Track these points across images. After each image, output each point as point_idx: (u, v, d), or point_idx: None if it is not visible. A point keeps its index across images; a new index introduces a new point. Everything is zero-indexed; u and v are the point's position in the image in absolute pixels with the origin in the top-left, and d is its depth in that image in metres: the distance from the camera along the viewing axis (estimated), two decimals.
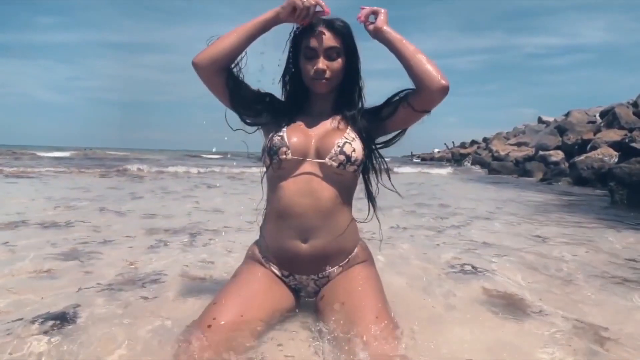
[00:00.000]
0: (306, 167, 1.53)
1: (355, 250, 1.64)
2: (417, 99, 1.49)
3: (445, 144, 31.53)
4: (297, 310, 1.66)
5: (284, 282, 1.63)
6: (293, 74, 1.62)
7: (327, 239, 1.55)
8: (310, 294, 1.67)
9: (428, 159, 29.77)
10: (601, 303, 2.01)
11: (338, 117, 1.59)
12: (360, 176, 1.64)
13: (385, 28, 1.51)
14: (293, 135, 1.54)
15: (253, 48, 1.54)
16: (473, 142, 24.18)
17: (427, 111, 1.52)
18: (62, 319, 1.62)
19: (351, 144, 1.53)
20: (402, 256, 2.78)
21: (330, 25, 1.52)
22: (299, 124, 1.59)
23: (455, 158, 22.91)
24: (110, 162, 15.18)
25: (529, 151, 16.83)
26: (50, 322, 1.59)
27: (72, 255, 2.62)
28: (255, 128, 1.65)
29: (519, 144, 18.51)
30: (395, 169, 16.42)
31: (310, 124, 1.59)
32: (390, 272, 2.36)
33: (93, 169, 11.02)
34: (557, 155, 14.68)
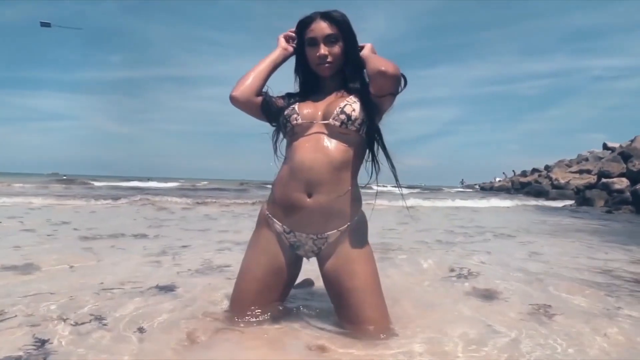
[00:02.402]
0: (315, 128, 1.72)
1: (356, 219, 1.77)
2: (371, 86, 1.68)
3: (503, 172, 31.07)
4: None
5: (285, 240, 1.79)
6: (302, 63, 1.85)
7: (330, 197, 1.68)
8: (308, 252, 1.81)
9: (488, 188, 29.31)
10: (564, 298, 2.50)
11: (343, 90, 1.80)
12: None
13: (366, 53, 1.76)
14: (303, 108, 1.76)
15: None
16: (534, 170, 23.60)
17: (389, 94, 1.68)
18: (168, 288, 2.40)
19: (351, 105, 1.71)
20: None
21: (326, 15, 1.73)
22: (309, 102, 1.80)
23: (515, 187, 22.48)
24: (183, 191, 16.66)
25: (591, 179, 16.36)
26: (162, 290, 2.37)
27: (163, 254, 3.49)
28: None
29: (580, 172, 18.00)
30: (493, 202, 14.51)
31: (319, 99, 1.80)
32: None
33: (172, 198, 12.20)
34: (622, 183, 14.16)
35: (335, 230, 1.74)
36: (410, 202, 12.34)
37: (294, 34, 1.85)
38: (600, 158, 19.01)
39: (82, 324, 1.80)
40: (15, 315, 1.87)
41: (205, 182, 30.13)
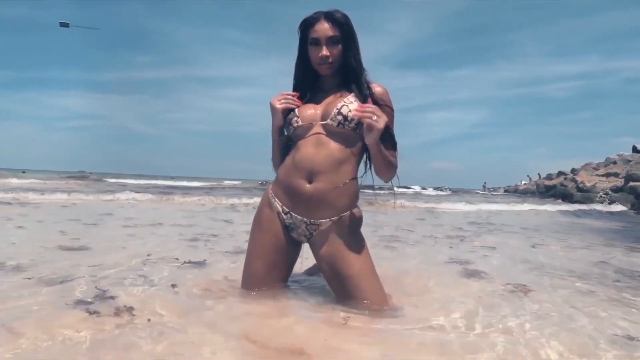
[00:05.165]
0: (315, 129, 1.82)
1: (349, 212, 1.85)
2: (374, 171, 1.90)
3: (528, 175, 30.68)
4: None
5: (282, 220, 1.89)
6: (304, 60, 1.88)
7: (328, 186, 1.78)
8: (300, 236, 1.90)
9: (512, 191, 29.08)
10: (542, 282, 2.82)
11: (342, 90, 1.86)
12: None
13: (373, 138, 1.72)
14: (304, 110, 1.85)
15: None
16: (560, 173, 23.26)
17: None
18: (201, 263, 2.85)
19: (348, 106, 1.78)
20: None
21: (330, 17, 1.77)
22: (310, 104, 1.88)
23: (540, 190, 22.28)
24: (207, 190, 17.31)
25: (618, 182, 16.17)
26: (194, 264, 2.82)
27: (196, 239, 3.95)
28: None
29: (607, 175, 17.75)
30: (512, 205, 13.44)
31: (319, 100, 1.87)
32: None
33: (199, 195, 12.88)
34: None
35: (327, 220, 1.83)
36: (434, 204, 12.57)
37: (287, 97, 1.89)
38: (629, 161, 18.71)
39: (133, 279, 2.29)
40: (84, 276, 2.33)
41: (235, 182, 30.81)
